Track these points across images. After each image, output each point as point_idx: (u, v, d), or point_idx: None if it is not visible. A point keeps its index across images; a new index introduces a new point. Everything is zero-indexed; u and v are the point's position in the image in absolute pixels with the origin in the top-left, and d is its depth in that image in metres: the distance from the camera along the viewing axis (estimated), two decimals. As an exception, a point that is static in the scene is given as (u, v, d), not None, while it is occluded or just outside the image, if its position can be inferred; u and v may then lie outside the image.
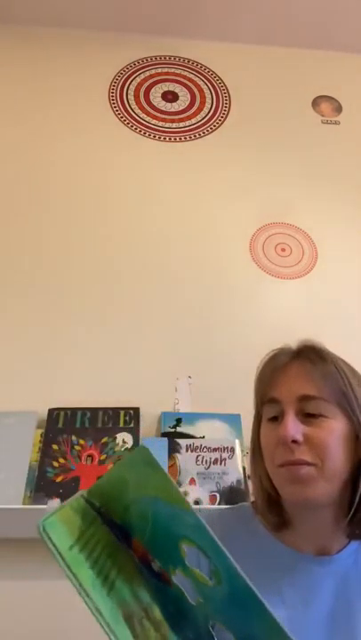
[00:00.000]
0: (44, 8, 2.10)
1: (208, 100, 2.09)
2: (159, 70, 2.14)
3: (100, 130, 1.95)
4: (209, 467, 1.30)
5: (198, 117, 2.04)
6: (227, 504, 1.20)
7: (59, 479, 1.22)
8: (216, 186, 1.88)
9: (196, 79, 2.14)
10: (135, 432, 1.32)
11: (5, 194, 1.78)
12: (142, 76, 2.11)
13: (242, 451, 1.33)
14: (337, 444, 0.64)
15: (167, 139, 1.97)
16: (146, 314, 1.59)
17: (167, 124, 2.00)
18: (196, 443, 1.33)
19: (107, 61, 2.12)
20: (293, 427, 0.64)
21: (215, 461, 1.30)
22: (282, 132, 2.05)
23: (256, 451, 0.72)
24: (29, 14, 2.12)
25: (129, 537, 0.47)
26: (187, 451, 1.32)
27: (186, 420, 1.39)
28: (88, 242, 1.71)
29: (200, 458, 1.31)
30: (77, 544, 0.43)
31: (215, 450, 1.32)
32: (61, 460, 1.25)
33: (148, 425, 1.39)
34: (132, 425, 1.33)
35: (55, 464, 1.25)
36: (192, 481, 1.27)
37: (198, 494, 1.25)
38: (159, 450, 1.31)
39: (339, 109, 2.16)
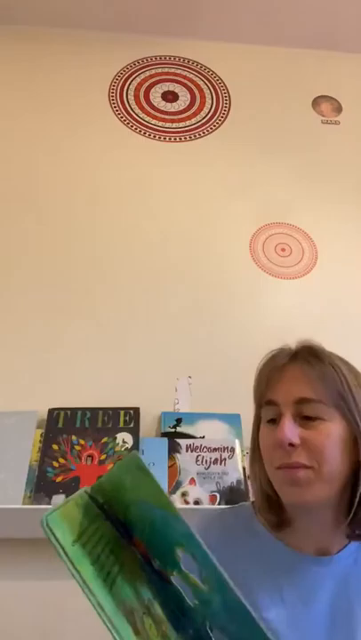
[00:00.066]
0: (44, 8, 2.10)
1: (208, 100, 2.09)
2: (159, 70, 2.14)
3: (100, 130, 1.95)
4: (209, 467, 1.30)
5: (198, 117, 2.04)
6: (227, 504, 1.20)
7: (59, 479, 1.22)
8: (216, 186, 1.88)
9: (196, 79, 2.14)
10: (135, 432, 1.32)
11: (5, 194, 1.77)
12: (142, 76, 2.11)
13: (242, 451, 1.33)
14: (334, 447, 0.64)
15: (167, 139, 1.97)
16: (146, 314, 1.59)
17: (167, 124, 2.00)
18: (196, 443, 1.33)
19: (107, 61, 2.12)
20: (290, 430, 0.64)
21: (215, 461, 1.30)
22: (282, 132, 2.05)
23: (256, 451, 0.72)
24: (29, 14, 2.12)
25: (131, 534, 0.48)
26: (187, 451, 1.32)
27: (186, 420, 1.39)
28: (87, 241, 1.71)
29: (200, 458, 1.31)
30: (80, 539, 0.43)
31: (215, 450, 1.32)
32: (61, 460, 1.25)
33: (148, 425, 1.39)
34: (132, 425, 1.33)
35: (55, 464, 1.25)
36: (192, 481, 1.27)
37: (198, 494, 1.25)
38: (159, 450, 1.31)
39: (339, 109, 2.16)
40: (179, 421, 1.39)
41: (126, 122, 1.98)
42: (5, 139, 1.90)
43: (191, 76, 2.15)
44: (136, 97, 2.05)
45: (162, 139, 1.96)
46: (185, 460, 1.30)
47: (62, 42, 2.14)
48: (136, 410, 1.37)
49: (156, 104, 2.05)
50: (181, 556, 0.45)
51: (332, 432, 0.64)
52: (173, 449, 1.32)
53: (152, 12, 2.12)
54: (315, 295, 1.70)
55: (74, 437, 1.30)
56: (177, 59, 2.18)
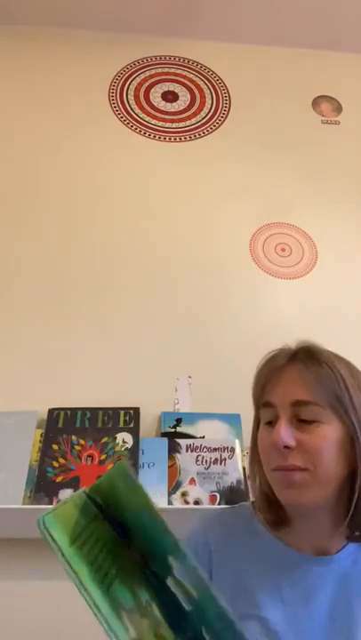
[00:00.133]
0: (44, 8, 2.10)
1: (208, 100, 2.09)
2: (159, 70, 2.14)
3: (99, 130, 1.95)
4: (209, 467, 1.30)
5: (198, 117, 2.04)
6: (227, 504, 1.20)
7: (59, 479, 1.22)
8: (216, 186, 1.88)
9: (196, 79, 2.14)
10: (135, 432, 1.32)
11: (5, 195, 1.77)
12: (142, 76, 2.11)
13: (242, 451, 1.33)
14: (330, 450, 0.64)
15: (167, 139, 1.97)
16: (146, 314, 1.59)
17: (167, 124, 2.00)
18: (196, 443, 1.33)
19: (107, 61, 2.12)
20: (286, 433, 0.64)
21: (215, 461, 1.30)
22: (282, 132, 2.05)
23: (255, 451, 0.72)
24: (29, 14, 2.12)
25: (128, 534, 0.48)
26: (187, 451, 1.32)
27: (186, 420, 1.39)
28: (87, 241, 1.71)
29: (200, 458, 1.31)
30: (78, 540, 0.43)
31: (215, 450, 1.32)
32: (61, 460, 1.25)
33: (148, 425, 1.39)
34: (132, 425, 1.33)
35: (55, 464, 1.25)
36: (192, 481, 1.27)
37: (198, 494, 1.25)
38: (159, 450, 1.31)
39: (339, 109, 2.16)
40: (179, 421, 1.39)
41: (126, 122, 1.98)
42: (5, 139, 1.89)
43: (191, 76, 2.15)
44: (136, 97, 2.05)
45: (162, 139, 1.96)
46: (185, 460, 1.30)
47: (62, 42, 2.14)
48: (136, 410, 1.37)
49: (156, 104, 2.05)
50: (174, 564, 0.45)
51: (329, 435, 0.64)
52: (173, 449, 1.32)
53: (152, 12, 2.12)
54: (315, 295, 1.70)
55: (74, 437, 1.30)
56: (177, 59, 2.18)
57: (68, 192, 1.80)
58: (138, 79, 2.10)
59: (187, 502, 1.23)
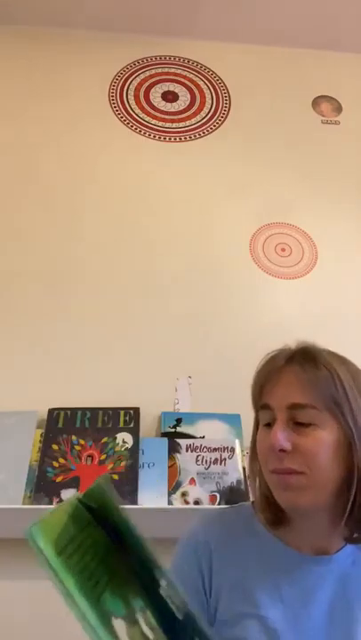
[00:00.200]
0: (44, 8, 2.10)
1: (208, 100, 2.09)
2: (159, 70, 2.14)
3: (99, 130, 1.95)
4: (209, 467, 1.30)
5: (198, 117, 2.04)
6: (227, 504, 1.20)
7: (59, 479, 1.22)
8: (216, 186, 1.88)
9: (196, 79, 2.14)
10: (135, 432, 1.32)
11: (5, 194, 1.77)
12: (142, 76, 2.11)
13: (242, 451, 1.33)
14: (326, 454, 0.64)
15: (167, 139, 1.97)
16: (146, 314, 1.59)
17: (167, 124, 2.00)
18: (196, 443, 1.33)
19: (107, 61, 2.12)
20: (282, 436, 0.64)
21: (215, 461, 1.30)
22: (282, 132, 2.05)
23: (255, 452, 0.72)
24: (29, 14, 2.12)
25: (123, 540, 0.47)
26: (187, 451, 1.32)
27: (186, 420, 1.39)
28: (87, 241, 1.71)
29: (200, 458, 1.31)
30: (67, 549, 0.42)
31: (215, 450, 1.32)
32: (61, 460, 1.25)
33: (148, 425, 1.39)
34: (132, 425, 1.33)
35: (55, 464, 1.25)
36: (192, 481, 1.27)
37: (198, 494, 1.25)
38: (159, 450, 1.31)
39: (339, 109, 2.16)
40: (179, 421, 1.39)
41: (126, 122, 1.98)
42: (5, 139, 1.89)
43: (191, 76, 2.15)
44: (136, 97, 2.05)
45: (162, 139, 1.96)
46: (185, 460, 1.30)
47: (62, 42, 2.14)
48: (136, 410, 1.37)
49: (156, 104, 2.05)
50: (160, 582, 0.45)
51: (325, 438, 0.64)
52: (173, 449, 1.32)
53: (152, 12, 2.12)
54: (315, 295, 1.70)
55: (74, 437, 1.30)
56: (177, 59, 2.18)
57: (68, 193, 1.80)
58: (138, 79, 2.10)
59: (187, 502, 1.23)
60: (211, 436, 1.35)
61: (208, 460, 1.31)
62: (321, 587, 0.66)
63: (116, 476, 1.23)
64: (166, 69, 2.15)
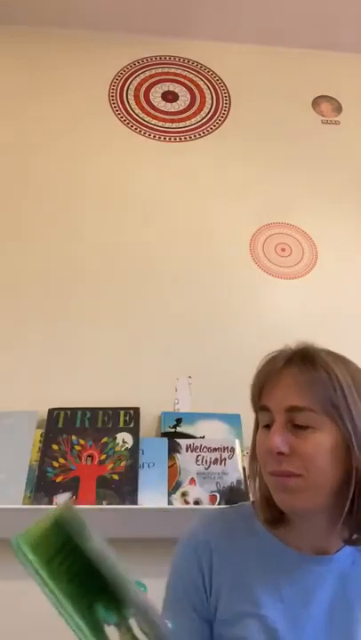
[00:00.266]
0: (44, 8, 2.10)
1: (208, 101, 2.09)
2: (159, 70, 2.14)
3: (99, 130, 1.95)
4: (209, 467, 1.30)
5: (198, 117, 2.04)
6: (227, 504, 1.20)
7: (59, 479, 1.22)
8: (216, 186, 1.88)
9: (196, 79, 2.14)
10: (135, 432, 1.32)
11: (5, 194, 1.77)
12: (142, 76, 2.11)
13: (242, 451, 1.33)
14: (324, 456, 0.64)
15: (167, 139, 1.97)
16: (146, 314, 1.59)
17: (167, 124, 2.00)
18: (196, 443, 1.33)
19: (107, 61, 2.12)
20: (279, 439, 0.64)
21: (215, 461, 1.30)
22: (282, 132, 2.05)
23: (255, 453, 0.72)
24: (29, 14, 2.12)
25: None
26: (187, 451, 1.32)
27: (186, 420, 1.39)
28: (87, 242, 1.71)
29: (200, 458, 1.31)
30: (56, 559, 0.41)
31: (215, 450, 1.32)
32: (61, 460, 1.25)
33: (148, 425, 1.39)
34: (132, 425, 1.33)
35: (55, 464, 1.25)
36: (192, 481, 1.27)
37: (198, 494, 1.25)
38: (159, 450, 1.31)
39: (339, 109, 2.16)
40: (179, 421, 1.39)
41: (126, 122, 1.98)
42: (5, 140, 1.89)
43: (191, 76, 2.15)
44: (136, 97, 2.05)
45: (162, 139, 1.96)
46: (185, 459, 1.30)
47: (62, 42, 2.14)
48: (136, 410, 1.37)
49: (156, 104, 2.05)
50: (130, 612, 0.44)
51: (323, 441, 0.64)
52: (173, 449, 1.32)
53: (152, 12, 2.12)
54: (315, 295, 1.70)
55: (74, 437, 1.30)
56: (177, 59, 2.18)
57: (68, 193, 1.80)
58: (138, 79, 2.10)
59: (187, 502, 1.23)
60: (211, 436, 1.35)
61: (208, 460, 1.31)
62: (321, 586, 0.67)
63: (116, 476, 1.23)
64: (166, 69, 2.15)
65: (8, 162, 1.85)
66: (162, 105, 2.05)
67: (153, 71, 2.14)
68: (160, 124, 2.00)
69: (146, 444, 1.32)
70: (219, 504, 1.24)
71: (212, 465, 1.30)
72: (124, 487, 1.22)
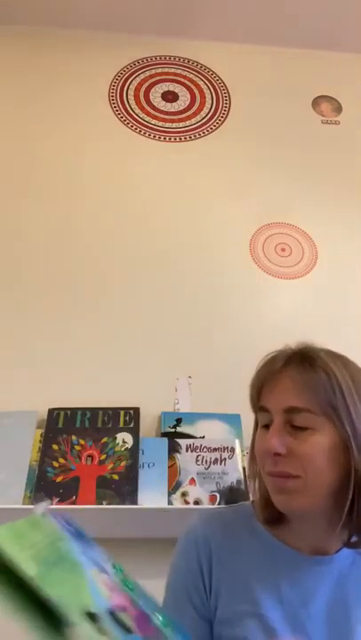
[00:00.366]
0: (44, 8, 2.10)
1: (208, 100, 2.09)
2: (159, 70, 2.14)
3: (99, 130, 1.95)
4: (209, 467, 1.30)
5: (198, 117, 2.04)
6: (227, 504, 1.20)
7: (59, 479, 1.22)
8: (216, 186, 1.88)
9: (196, 79, 2.14)
10: (135, 432, 1.32)
11: (4, 193, 1.77)
12: (142, 76, 2.11)
13: (242, 451, 1.33)
14: (322, 458, 0.63)
15: (167, 139, 1.97)
16: (146, 314, 1.59)
17: (167, 124, 2.00)
18: (196, 443, 1.33)
19: (107, 61, 2.12)
20: (277, 440, 0.64)
21: (215, 461, 1.30)
22: (282, 133, 2.05)
23: (254, 453, 0.72)
24: (29, 14, 2.12)
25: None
26: (187, 451, 1.32)
27: (186, 420, 1.39)
28: (87, 241, 1.71)
29: (200, 458, 1.31)
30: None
31: (215, 450, 1.32)
32: (61, 460, 1.25)
33: (148, 425, 1.39)
34: (132, 425, 1.33)
35: (55, 464, 1.25)
36: (192, 481, 1.27)
37: (198, 494, 1.25)
38: (159, 450, 1.31)
39: (339, 109, 2.16)
40: (179, 421, 1.39)
41: (126, 122, 1.98)
42: (4, 140, 1.89)
43: (191, 76, 2.15)
44: (136, 97, 2.05)
45: (162, 139, 1.96)
46: (185, 459, 1.30)
47: (62, 42, 2.14)
48: (136, 410, 1.37)
49: (156, 104, 2.05)
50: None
51: (321, 443, 0.64)
52: (173, 449, 1.32)
53: (152, 12, 2.12)
54: (315, 295, 1.70)
55: (74, 437, 1.30)
56: (177, 59, 2.18)
57: (68, 193, 1.80)
58: (138, 79, 2.10)
59: (187, 502, 1.23)
60: (211, 436, 1.35)
61: (208, 460, 1.31)
62: (320, 587, 0.67)
63: (116, 476, 1.23)
64: (166, 69, 2.15)
65: (8, 162, 1.85)
66: (162, 105, 2.05)
67: (153, 71, 2.14)
68: (160, 123, 2.00)
69: (146, 443, 1.32)
70: (219, 504, 1.24)
71: (212, 465, 1.30)
72: (124, 487, 1.22)
